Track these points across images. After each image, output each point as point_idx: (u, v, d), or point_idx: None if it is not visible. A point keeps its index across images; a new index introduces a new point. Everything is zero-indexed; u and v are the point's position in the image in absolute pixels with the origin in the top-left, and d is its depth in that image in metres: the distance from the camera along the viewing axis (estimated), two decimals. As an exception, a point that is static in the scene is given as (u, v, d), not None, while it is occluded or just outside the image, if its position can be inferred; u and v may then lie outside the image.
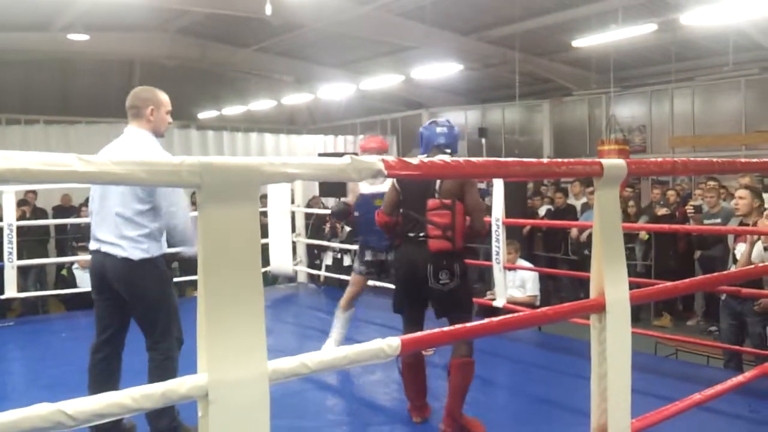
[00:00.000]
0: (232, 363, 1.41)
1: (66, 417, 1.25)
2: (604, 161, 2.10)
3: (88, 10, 10.36)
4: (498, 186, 5.48)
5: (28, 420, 1.24)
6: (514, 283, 6.52)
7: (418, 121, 16.37)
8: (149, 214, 2.99)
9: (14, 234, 5.76)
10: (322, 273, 8.07)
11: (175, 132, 12.54)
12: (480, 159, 1.85)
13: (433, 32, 11.92)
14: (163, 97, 3.22)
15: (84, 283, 7.55)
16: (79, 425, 1.29)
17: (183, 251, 3.21)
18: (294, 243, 7.43)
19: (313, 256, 8.54)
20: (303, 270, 7.69)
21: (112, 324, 3.15)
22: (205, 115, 17.08)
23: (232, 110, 17.09)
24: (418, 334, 1.72)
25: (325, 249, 8.46)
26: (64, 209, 9.44)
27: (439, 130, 3.47)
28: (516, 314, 2.05)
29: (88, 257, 8.05)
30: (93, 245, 3.10)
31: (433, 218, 3.21)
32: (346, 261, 8.73)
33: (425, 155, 3.41)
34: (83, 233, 8.76)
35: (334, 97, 16.02)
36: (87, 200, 9.65)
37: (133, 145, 3.05)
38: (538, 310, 2.06)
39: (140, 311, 3.09)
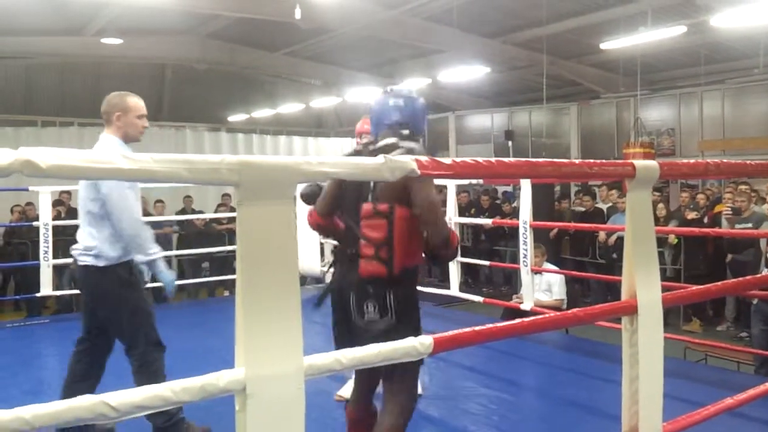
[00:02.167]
0: (269, 358, 1.44)
1: (109, 408, 1.29)
2: (637, 162, 2.09)
3: (121, 15, 10.56)
4: (526, 188, 5.47)
5: (73, 411, 1.28)
6: (541, 286, 6.50)
7: (444, 124, 16.38)
8: (104, 222, 3.03)
9: (50, 233, 5.89)
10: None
11: (206, 135, 12.72)
12: (512, 159, 1.86)
13: (460, 35, 11.92)
14: (133, 101, 3.20)
15: (166, 276, 7.68)
16: (121, 417, 1.33)
17: (137, 258, 3.12)
18: (322, 244, 7.49)
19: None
20: (331, 271, 7.72)
21: (89, 324, 3.25)
22: (235, 118, 17.28)
23: (261, 113, 17.25)
24: (453, 332, 1.73)
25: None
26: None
27: (392, 102, 2.61)
28: (547, 315, 2.05)
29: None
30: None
31: (366, 230, 2.40)
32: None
33: (374, 137, 2.68)
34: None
35: (361, 100, 16.09)
36: None
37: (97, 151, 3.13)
38: (569, 311, 2.06)
39: (105, 316, 3.17)
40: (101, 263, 3.06)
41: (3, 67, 13.38)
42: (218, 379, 1.40)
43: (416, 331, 2.29)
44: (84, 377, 3.23)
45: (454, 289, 6.35)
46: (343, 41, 13.04)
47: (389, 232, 2.38)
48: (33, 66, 13.71)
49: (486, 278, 11.20)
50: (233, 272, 7.25)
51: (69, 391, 3.16)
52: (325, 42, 13.29)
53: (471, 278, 10.89)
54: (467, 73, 12.63)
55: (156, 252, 3.13)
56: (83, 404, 1.28)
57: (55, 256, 6.07)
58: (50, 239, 5.89)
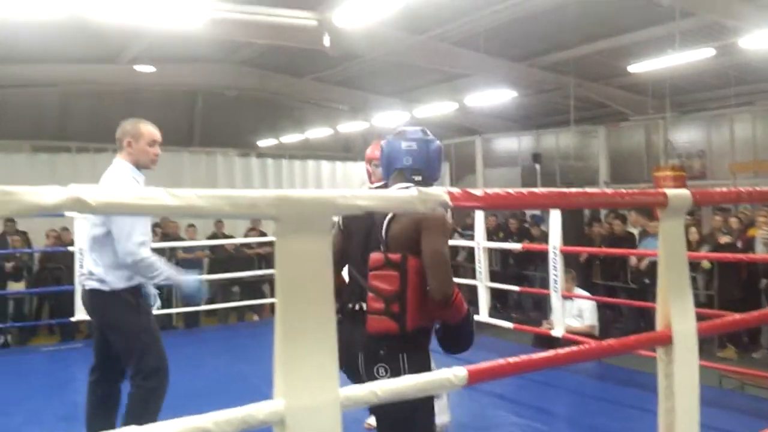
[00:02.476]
0: (306, 389, 1.46)
1: (151, 439, 1.32)
2: (669, 191, 2.09)
3: (154, 43, 10.81)
4: (555, 213, 5.45)
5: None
6: (571, 312, 6.44)
7: (471, 147, 16.41)
8: (107, 247, 3.05)
9: (85, 258, 6.00)
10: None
11: (236, 160, 12.90)
12: (543, 190, 1.88)
13: (487, 60, 11.98)
14: (146, 129, 3.24)
15: (189, 283, 7.78)
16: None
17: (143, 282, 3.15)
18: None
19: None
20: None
21: (101, 351, 3.27)
22: (265, 143, 17.52)
23: (290, 138, 17.47)
24: (487, 363, 1.73)
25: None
26: (130, 235, 9.71)
27: (405, 146, 2.44)
28: (580, 346, 2.04)
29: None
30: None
31: (375, 282, 2.19)
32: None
33: (385, 182, 2.53)
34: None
35: (388, 124, 16.23)
36: (156, 224, 9.98)
37: (107, 177, 3.17)
38: (603, 342, 2.04)
39: (113, 340, 3.17)
40: (106, 287, 3.08)
41: (38, 94, 13.75)
42: (258, 411, 1.43)
43: (429, 399, 2.21)
44: (103, 408, 3.23)
45: (483, 315, 6.33)
46: (370, 67, 13.19)
47: (402, 284, 2.17)
48: (67, 93, 14.06)
49: (515, 303, 11.11)
50: (262, 297, 7.44)
51: (92, 424, 3.19)
52: (352, 68, 13.45)
53: (500, 303, 10.81)
54: (494, 96, 12.67)
55: (160, 273, 3.11)
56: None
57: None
58: (86, 264, 5.98)
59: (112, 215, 2.93)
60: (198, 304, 7.60)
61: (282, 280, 1.48)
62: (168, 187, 1.33)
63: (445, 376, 1.67)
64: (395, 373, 2.13)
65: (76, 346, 6.03)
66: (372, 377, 2.19)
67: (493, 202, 1.70)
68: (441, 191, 1.64)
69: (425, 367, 2.24)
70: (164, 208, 1.32)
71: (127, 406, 3.14)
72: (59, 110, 13.70)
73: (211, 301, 9.46)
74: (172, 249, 9.10)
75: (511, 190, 1.72)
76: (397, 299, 2.15)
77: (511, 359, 1.78)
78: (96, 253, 3.10)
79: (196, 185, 10.75)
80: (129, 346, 3.14)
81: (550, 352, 1.87)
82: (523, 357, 1.83)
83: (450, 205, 1.64)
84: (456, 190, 1.66)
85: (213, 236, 9.62)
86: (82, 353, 5.78)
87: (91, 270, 3.12)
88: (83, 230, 3.28)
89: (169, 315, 8.55)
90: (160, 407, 3.14)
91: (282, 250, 1.48)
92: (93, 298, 3.13)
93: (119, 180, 3.11)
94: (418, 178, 2.41)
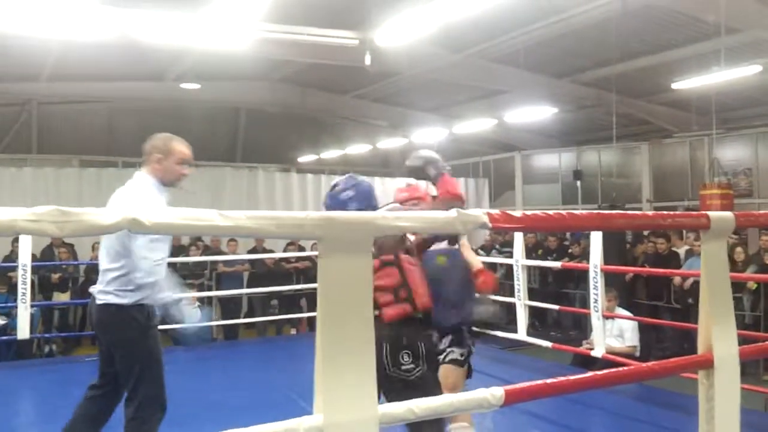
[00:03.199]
0: (345, 405, 1.50)
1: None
2: (711, 214, 2.08)
3: (200, 61, 11.09)
4: (596, 232, 5.40)
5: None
6: (612, 332, 6.36)
7: (510, 163, 16.32)
8: (121, 261, 2.98)
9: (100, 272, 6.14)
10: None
11: (277, 175, 13.08)
12: (584, 211, 1.89)
13: (527, 76, 11.96)
14: (177, 147, 3.15)
15: (190, 319, 7.92)
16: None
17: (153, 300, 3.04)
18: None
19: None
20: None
21: (104, 368, 3.17)
22: (305, 158, 17.75)
23: (329, 154, 17.66)
24: (524, 384, 1.75)
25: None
26: (174, 248, 9.86)
27: (343, 196, 2.78)
28: (620, 369, 2.04)
29: (196, 294, 8.50)
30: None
31: (378, 283, 2.46)
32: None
33: None
34: (191, 271, 9.25)
35: (427, 140, 16.28)
36: (198, 238, 10.12)
37: (129, 190, 3.08)
38: (644, 365, 2.04)
39: (117, 359, 3.07)
40: (117, 303, 3.00)
41: (88, 110, 14.22)
42: (299, 426, 1.47)
43: (436, 379, 2.69)
44: (92, 425, 3.15)
45: (521, 333, 6.28)
46: (409, 84, 13.28)
47: (402, 275, 2.63)
48: (115, 109, 14.50)
49: (554, 322, 10.98)
50: (300, 311, 7.51)
51: None
52: (392, 85, 13.56)
53: (538, 321, 10.69)
54: (534, 113, 12.61)
55: (168, 296, 3.03)
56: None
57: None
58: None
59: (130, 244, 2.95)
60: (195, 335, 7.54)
61: (324, 299, 1.53)
62: (211, 202, 1.40)
63: (482, 395, 1.70)
64: (416, 358, 2.53)
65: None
66: (398, 364, 2.53)
67: (533, 224, 1.73)
68: (480, 213, 1.67)
69: (432, 349, 2.67)
70: (215, 229, 1.38)
71: None
72: (107, 126, 14.14)
73: (250, 314, 9.61)
74: (213, 262, 9.27)
75: (551, 212, 1.74)
76: (402, 286, 2.60)
77: (549, 380, 1.79)
78: (112, 266, 3.03)
79: (238, 200, 10.99)
80: (130, 367, 3.06)
81: (589, 374, 1.87)
82: (562, 378, 1.84)
83: (489, 227, 1.67)
84: (495, 212, 1.69)
85: (253, 250, 9.76)
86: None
87: (104, 285, 3.04)
88: (103, 244, 3.15)
89: (210, 327, 8.70)
90: None
91: (325, 270, 1.53)
92: (102, 313, 3.05)
93: (144, 195, 3.03)
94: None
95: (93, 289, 3.12)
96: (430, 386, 2.46)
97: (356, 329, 1.53)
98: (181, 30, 7.85)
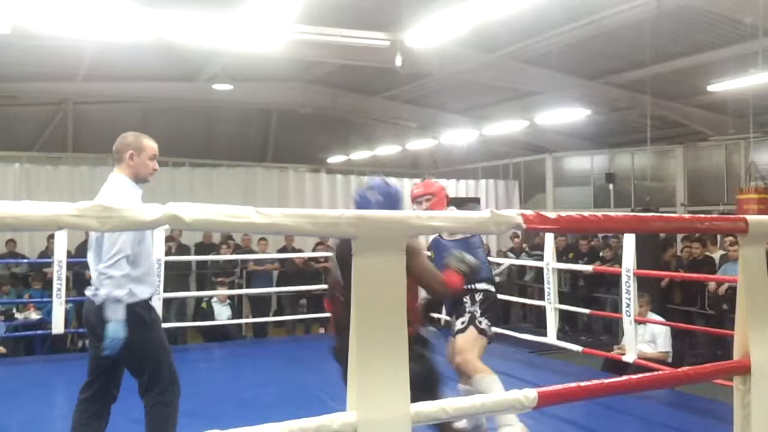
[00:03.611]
0: (378, 403, 1.51)
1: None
2: (750, 218, 2.04)
3: (232, 62, 11.20)
4: (629, 235, 5.33)
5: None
6: (644, 337, 6.26)
7: (541, 165, 16.19)
8: (120, 262, 2.96)
9: (162, 268, 6.25)
10: (443, 317, 8.11)
11: (307, 176, 13.18)
12: (620, 214, 1.87)
13: (559, 77, 11.85)
14: (148, 143, 3.20)
15: (222, 315, 8.06)
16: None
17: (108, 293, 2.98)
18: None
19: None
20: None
21: (95, 369, 3.17)
22: (334, 159, 17.82)
23: (359, 155, 17.70)
24: (558, 387, 1.73)
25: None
26: (205, 246, 10.09)
27: (373, 200, 2.92)
28: (655, 373, 2.01)
29: (226, 291, 8.58)
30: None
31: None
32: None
33: None
34: (222, 269, 9.36)
35: (456, 142, 16.23)
36: (229, 237, 10.26)
37: (105, 191, 3.11)
38: (679, 369, 2.01)
39: (122, 357, 3.04)
40: (99, 299, 2.99)
41: (122, 110, 14.43)
42: (332, 422, 1.48)
43: (436, 374, 2.83)
44: (93, 427, 3.15)
45: (551, 337, 6.23)
46: (440, 85, 13.25)
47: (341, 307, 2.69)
48: (149, 109, 14.70)
49: (584, 326, 10.86)
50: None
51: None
52: (422, 86, 13.54)
53: (568, 326, 10.59)
54: (566, 115, 12.49)
55: (120, 297, 2.96)
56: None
57: (164, 290, 6.42)
58: (162, 274, 6.23)
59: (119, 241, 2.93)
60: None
61: (358, 296, 1.53)
62: (243, 201, 1.42)
63: (515, 396, 1.69)
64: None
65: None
66: None
67: (568, 226, 1.71)
68: (514, 213, 1.66)
69: (423, 354, 2.79)
70: (252, 226, 1.40)
71: (148, 424, 3.12)
72: (141, 126, 14.29)
73: (279, 313, 9.69)
74: (244, 261, 9.37)
75: (586, 214, 1.73)
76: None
77: (583, 383, 1.78)
78: (105, 272, 2.99)
79: (269, 199, 11.12)
80: (142, 361, 3.08)
81: (623, 378, 1.85)
82: (595, 381, 1.83)
83: (523, 228, 1.66)
84: (530, 213, 1.68)
85: (283, 249, 9.83)
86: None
87: (101, 281, 2.99)
88: (90, 242, 3.16)
89: (239, 325, 8.80)
90: (177, 422, 3.14)
91: (359, 268, 1.54)
92: (93, 310, 3.04)
93: (122, 194, 3.06)
94: None
95: (89, 291, 3.11)
96: (427, 381, 2.73)
97: (390, 327, 1.54)
98: (214, 31, 7.95)
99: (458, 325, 3.74)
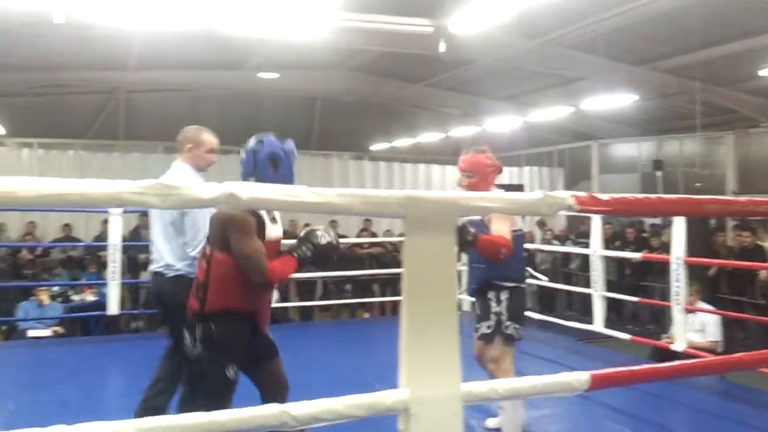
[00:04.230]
0: (430, 381, 1.53)
1: (290, 418, 1.43)
2: (810, 201, 1.99)
3: (278, 51, 11.30)
4: (679, 221, 5.22)
5: (259, 418, 1.43)
6: (693, 326, 6.14)
7: (586, 152, 15.93)
8: (180, 238, 3.27)
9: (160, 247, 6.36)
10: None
11: (350, 163, 13.25)
12: (673, 196, 1.84)
13: (605, 63, 11.61)
14: (206, 137, 3.47)
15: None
16: (299, 426, 1.46)
17: None
18: (459, 272, 7.53)
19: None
20: (467, 299, 7.75)
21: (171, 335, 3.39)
22: (377, 147, 17.85)
23: (401, 142, 17.70)
24: (611, 370, 1.72)
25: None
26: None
27: (242, 155, 2.86)
28: (709, 358, 1.98)
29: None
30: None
31: (197, 269, 2.70)
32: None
33: None
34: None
35: (500, 129, 16.08)
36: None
37: (168, 176, 3.32)
38: (733, 355, 1.97)
39: (177, 324, 3.21)
40: (180, 273, 3.24)
41: (171, 98, 14.73)
42: (385, 398, 1.51)
43: (221, 369, 2.56)
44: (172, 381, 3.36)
45: (598, 325, 6.14)
46: (483, 72, 13.12)
47: (206, 275, 2.59)
48: (196, 98, 14.97)
49: (631, 315, 10.70)
50: (373, 295, 7.60)
51: (151, 395, 3.36)
52: (465, 73, 13.44)
53: (615, 314, 10.44)
54: (612, 101, 12.26)
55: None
56: (268, 412, 1.42)
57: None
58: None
59: (188, 210, 3.25)
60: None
61: (408, 275, 1.55)
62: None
63: (566, 379, 1.68)
64: (192, 339, 2.60)
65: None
66: (183, 340, 2.67)
67: (622, 207, 1.69)
68: (567, 195, 1.65)
69: (223, 342, 2.57)
70: (306, 205, 1.43)
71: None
72: (189, 114, 14.55)
73: (324, 297, 9.81)
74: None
75: (639, 196, 1.71)
76: (202, 286, 2.59)
77: (635, 367, 1.76)
78: (170, 243, 3.31)
79: (313, 187, 11.23)
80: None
81: (677, 363, 1.83)
82: (647, 366, 1.81)
83: (576, 209, 1.65)
84: (582, 194, 1.67)
85: (327, 236, 9.92)
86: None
87: (171, 259, 3.29)
88: (154, 221, 3.45)
89: (286, 308, 8.94)
90: None
91: (409, 247, 1.55)
92: (177, 284, 3.24)
93: (185, 179, 3.27)
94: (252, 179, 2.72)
95: (158, 267, 3.36)
96: (205, 371, 2.57)
97: (441, 306, 1.55)
98: (261, 19, 8.03)
99: (484, 328, 3.49)
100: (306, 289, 9.69)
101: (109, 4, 7.50)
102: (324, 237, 2.64)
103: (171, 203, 1.30)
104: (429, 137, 17.32)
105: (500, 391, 1.60)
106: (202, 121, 3.65)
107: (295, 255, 2.58)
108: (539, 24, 10.03)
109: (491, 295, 3.45)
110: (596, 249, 6.12)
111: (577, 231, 11.96)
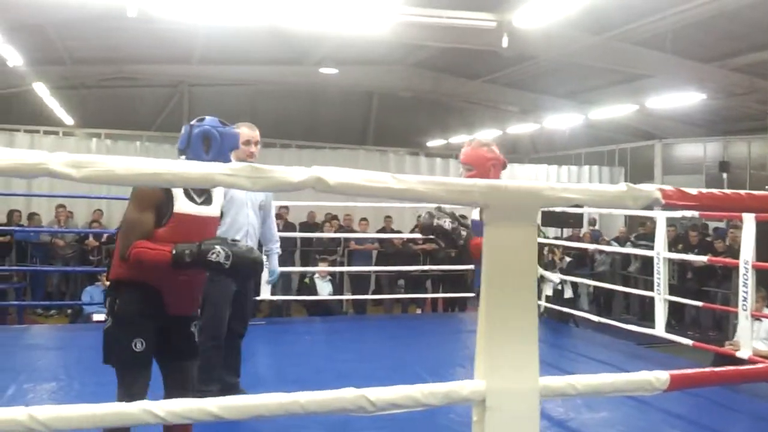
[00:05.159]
0: (507, 374, 1.51)
1: (368, 402, 1.43)
2: None
3: (338, 46, 11.38)
4: (749, 224, 5.01)
5: (337, 401, 1.44)
6: (758, 334, 5.90)
7: (649, 152, 15.53)
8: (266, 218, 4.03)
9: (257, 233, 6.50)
10: (543, 303, 7.98)
11: (407, 159, 13.26)
12: (763, 192, 1.77)
13: (672, 60, 11.27)
14: (242, 131, 3.65)
15: (323, 291, 8.30)
16: (376, 412, 1.47)
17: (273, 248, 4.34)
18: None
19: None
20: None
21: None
22: (434, 143, 17.81)
23: (458, 138, 17.59)
24: (690, 370, 1.67)
25: (544, 279, 8.34)
26: (309, 225, 10.44)
27: (182, 132, 2.83)
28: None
29: (328, 268, 8.83)
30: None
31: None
32: (567, 293, 8.53)
33: None
34: (326, 247, 9.62)
35: (559, 126, 15.81)
36: (334, 217, 10.67)
37: None
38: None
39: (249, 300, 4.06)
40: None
41: (233, 92, 15.02)
42: (462, 388, 1.50)
43: (126, 341, 2.50)
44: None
45: (659, 329, 5.97)
46: (544, 68, 12.92)
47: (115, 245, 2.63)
48: (257, 92, 15.23)
49: (692, 320, 10.38)
50: (425, 291, 7.56)
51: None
52: (525, 69, 13.26)
53: (675, 320, 10.15)
54: (678, 99, 11.90)
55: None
56: (347, 396, 1.43)
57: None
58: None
59: (270, 203, 3.99)
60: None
61: (488, 265, 1.53)
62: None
63: (645, 377, 1.64)
64: (108, 311, 2.57)
65: (260, 323, 6.49)
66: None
67: (709, 202, 1.64)
68: (653, 188, 1.60)
69: (125, 313, 2.53)
70: (390, 191, 1.42)
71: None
72: (249, 108, 14.85)
73: (377, 292, 9.86)
74: (346, 240, 9.60)
75: (727, 191, 1.65)
76: (111, 255, 2.74)
77: (716, 369, 1.71)
78: (258, 222, 3.89)
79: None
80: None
81: (760, 365, 1.76)
82: (729, 368, 1.75)
83: (662, 203, 1.60)
84: (668, 188, 1.62)
85: (382, 230, 9.96)
86: (265, 330, 6.25)
87: (273, 242, 4.11)
88: (250, 211, 3.85)
89: (340, 301, 9.04)
90: None
91: (489, 237, 1.53)
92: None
93: None
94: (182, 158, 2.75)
95: (274, 246, 4.24)
96: (111, 344, 2.55)
97: (520, 297, 1.53)
98: (325, 15, 8.09)
99: None
100: (359, 283, 9.76)
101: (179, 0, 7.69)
102: (219, 254, 2.42)
103: (261, 185, 1.32)
104: (486, 134, 17.15)
105: (578, 387, 1.57)
106: (261, 116, 3.83)
107: (175, 252, 2.42)
108: (606, 19, 9.80)
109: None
110: (660, 251, 5.95)
111: (636, 233, 11.69)
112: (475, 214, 3.47)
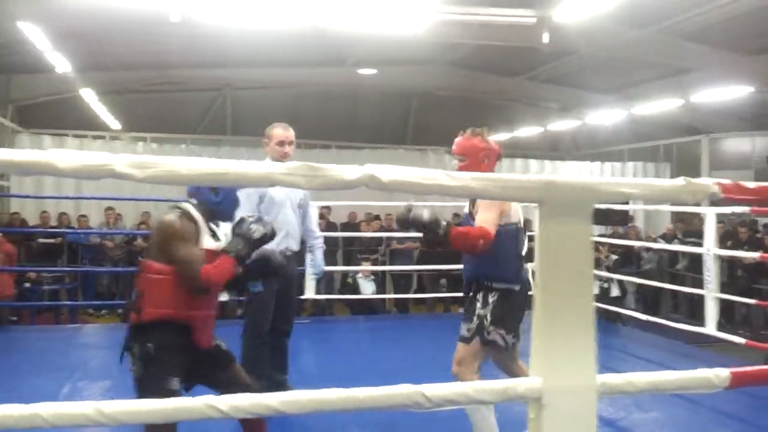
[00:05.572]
0: (565, 371, 1.49)
1: (424, 398, 1.44)
2: None
3: (377, 47, 11.40)
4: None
5: (394, 397, 1.45)
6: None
7: (695, 148, 15.16)
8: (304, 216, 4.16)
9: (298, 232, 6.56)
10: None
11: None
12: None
13: (718, 53, 11.00)
14: (275, 132, 3.89)
15: (366, 290, 8.34)
16: (432, 408, 1.47)
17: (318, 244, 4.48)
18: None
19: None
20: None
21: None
22: (473, 141, 17.70)
23: (498, 137, 17.45)
24: (751, 368, 1.64)
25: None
26: (350, 225, 10.50)
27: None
28: None
29: (370, 267, 8.88)
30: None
31: (137, 280, 2.65)
32: (614, 291, 8.41)
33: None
34: (367, 246, 9.67)
35: (601, 122, 15.56)
36: (376, 217, 10.72)
37: None
38: None
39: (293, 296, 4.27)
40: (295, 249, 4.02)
41: (275, 96, 15.15)
42: (517, 386, 1.49)
43: (161, 382, 2.46)
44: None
45: (709, 328, 5.84)
46: (585, 63, 12.73)
47: (142, 284, 2.57)
48: (299, 95, 15.35)
49: (743, 319, 10.12)
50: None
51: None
52: (565, 65, 13.08)
53: (724, 318, 9.90)
54: (725, 93, 11.61)
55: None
56: (404, 392, 1.44)
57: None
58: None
59: (308, 201, 4.15)
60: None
61: (543, 261, 1.52)
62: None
63: (705, 375, 1.61)
64: (134, 359, 2.54)
65: (304, 321, 6.56)
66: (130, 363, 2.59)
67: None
68: (710, 182, 1.58)
69: (161, 355, 2.51)
70: (443, 188, 1.43)
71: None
72: (290, 110, 14.96)
73: (420, 291, 9.87)
74: (388, 239, 9.64)
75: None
76: (140, 295, 2.56)
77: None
78: (298, 220, 4.04)
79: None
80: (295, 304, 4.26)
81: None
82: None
83: (720, 197, 1.58)
84: (727, 182, 1.59)
85: (423, 230, 9.95)
86: (309, 328, 6.32)
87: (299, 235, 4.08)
88: (293, 201, 4.05)
89: (383, 300, 9.08)
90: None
91: (544, 233, 1.53)
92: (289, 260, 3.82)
93: None
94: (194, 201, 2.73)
95: (317, 241, 4.41)
96: (146, 388, 2.49)
97: (576, 293, 1.52)
98: (363, 16, 8.12)
99: (464, 331, 3.17)
100: (401, 282, 9.78)
101: (221, 4, 7.80)
102: (257, 230, 2.61)
103: (317, 184, 1.34)
104: (526, 131, 16.99)
105: (637, 384, 1.55)
106: (301, 118, 3.93)
107: (229, 253, 2.58)
108: (649, 12, 9.61)
109: (479, 295, 3.15)
110: (710, 248, 5.82)
111: (683, 230, 11.44)
112: (466, 209, 3.37)
